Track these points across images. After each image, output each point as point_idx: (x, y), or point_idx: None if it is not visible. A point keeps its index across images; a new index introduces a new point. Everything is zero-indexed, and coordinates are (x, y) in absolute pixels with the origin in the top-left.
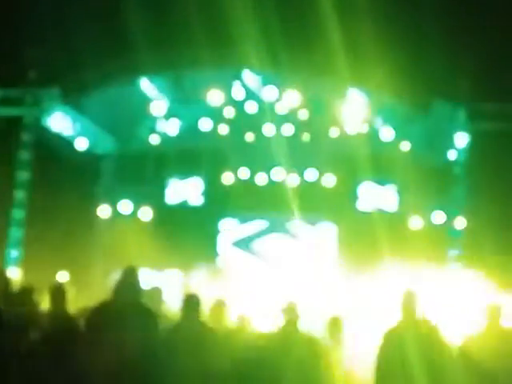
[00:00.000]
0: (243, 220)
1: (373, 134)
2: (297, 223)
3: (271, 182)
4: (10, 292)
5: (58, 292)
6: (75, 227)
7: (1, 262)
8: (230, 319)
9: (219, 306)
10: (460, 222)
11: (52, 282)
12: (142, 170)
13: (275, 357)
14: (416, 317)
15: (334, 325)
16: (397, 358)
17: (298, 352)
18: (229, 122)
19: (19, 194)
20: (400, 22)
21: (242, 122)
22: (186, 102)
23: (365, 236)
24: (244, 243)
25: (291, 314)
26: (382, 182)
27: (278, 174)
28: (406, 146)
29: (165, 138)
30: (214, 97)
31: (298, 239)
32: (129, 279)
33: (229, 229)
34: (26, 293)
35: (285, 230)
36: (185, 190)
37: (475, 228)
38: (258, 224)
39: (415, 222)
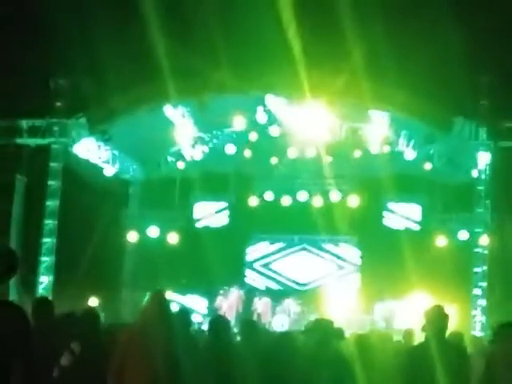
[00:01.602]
0: (270, 241)
1: (396, 155)
2: (322, 243)
3: (296, 204)
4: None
5: (90, 317)
6: (104, 253)
7: (33, 289)
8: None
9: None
10: (485, 240)
11: (84, 307)
12: (169, 195)
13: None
14: (443, 333)
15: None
16: (425, 375)
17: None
18: (253, 146)
19: (49, 222)
20: (421, 44)
21: (266, 145)
22: (210, 127)
23: (390, 255)
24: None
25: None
26: (406, 201)
27: (303, 195)
28: (428, 165)
29: (190, 163)
30: (238, 121)
31: (323, 259)
32: (157, 303)
33: (256, 251)
34: (67, 318)
35: (311, 250)
36: (211, 214)
37: (500, 245)
38: (283, 245)
39: (440, 241)
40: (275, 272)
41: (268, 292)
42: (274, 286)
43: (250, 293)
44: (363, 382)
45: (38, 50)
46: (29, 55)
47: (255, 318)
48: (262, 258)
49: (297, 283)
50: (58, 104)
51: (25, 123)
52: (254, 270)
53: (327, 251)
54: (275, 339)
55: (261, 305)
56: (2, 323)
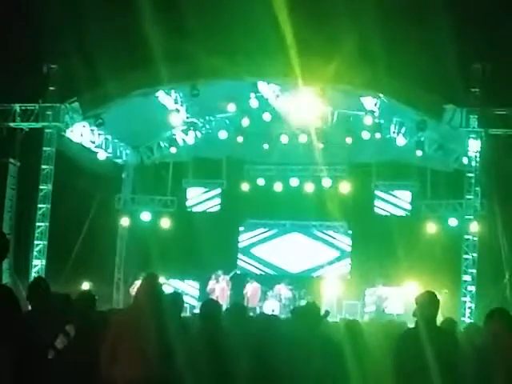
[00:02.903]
0: (261, 226)
1: (387, 141)
2: (313, 229)
3: (288, 190)
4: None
5: (85, 299)
6: (97, 237)
7: (26, 273)
8: None
9: None
10: (474, 227)
11: (79, 290)
12: (162, 180)
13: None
14: (434, 318)
15: None
16: (415, 361)
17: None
18: (245, 131)
19: (42, 206)
20: (412, 31)
21: (258, 131)
22: (203, 113)
23: (380, 241)
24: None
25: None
26: (397, 187)
27: (295, 181)
28: (419, 152)
29: (183, 148)
30: (231, 107)
31: (314, 244)
32: (150, 286)
33: (247, 236)
34: (62, 300)
35: (302, 236)
36: (203, 199)
37: (489, 232)
38: (274, 230)
39: (430, 227)
40: (266, 257)
41: (259, 277)
42: (265, 271)
43: (240, 277)
44: (353, 366)
45: (30, 35)
46: (22, 40)
47: (244, 302)
48: (254, 243)
49: (288, 269)
50: (52, 88)
51: (18, 107)
52: (246, 255)
53: (318, 237)
54: (263, 322)
55: (250, 289)
56: None
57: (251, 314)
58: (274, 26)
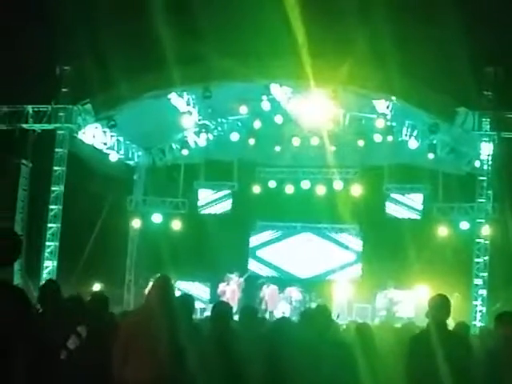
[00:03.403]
0: (272, 229)
1: (399, 144)
2: (325, 232)
3: (299, 192)
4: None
5: (98, 300)
6: (108, 238)
7: (37, 274)
8: None
9: None
10: (486, 230)
11: (91, 291)
12: (173, 182)
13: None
14: (445, 320)
15: None
16: (427, 364)
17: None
18: (257, 134)
19: (54, 207)
20: (425, 34)
21: (270, 134)
22: (215, 115)
23: (392, 244)
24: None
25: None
26: (408, 190)
27: (306, 184)
28: (431, 155)
29: (195, 150)
30: (243, 110)
31: (326, 247)
32: (161, 288)
33: (258, 238)
34: (73, 302)
35: (313, 238)
36: (215, 200)
37: (501, 236)
38: (286, 232)
39: (442, 230)
40: (277, 260)
41: (270, 279)
42: (276, 274)
43: (252, 280)
44: (364, 370)
45: (44, 37)
46: (35, 41)
47: (262, 305)
48: (265, 245)
49: (298, 274)
50: (64, 90)
51: (31, 108)
52: (257, 257)
53: (330, 239)
54: (274, 325)
55: (268, 292)
56: (3, 305)
57: (268, 317)
58: (286, 28)
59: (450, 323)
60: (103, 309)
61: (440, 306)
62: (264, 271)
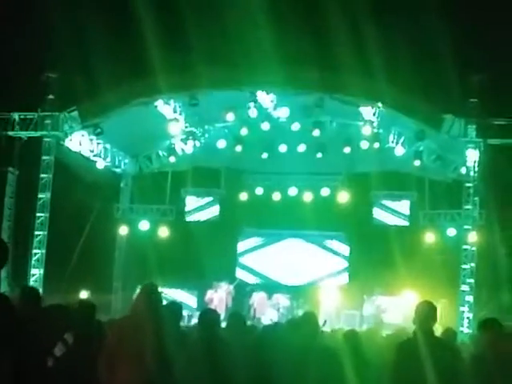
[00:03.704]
0: (259, 236)
1: (386, 151)
2: (312, 238)
3: (286, 199)
4: (37, 309)
5: (85, 308)
6: (95, 246)
7: (24, 281)
8: None
9: None
10: (473, 237)
11: (79, 299)
12: (160, 189)
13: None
14: (431, 327)
15: None
16: (414, 371)
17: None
18: (244, 141)
19: (41, 215)
20: (412, 41)
21: (257, 141)
22: (202, 122)
23: (379, 250)
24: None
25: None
26: (395, 197)
27: (293, 190)
28: (418, 162)
29: (182, 157)
30: (230, 117)
31: (313, 254)
32: (148, 296)
33: (245, 245)
34: (57, 310)
35: (300, 245)
36: (202, 207)
37: (488, 242)
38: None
39: (429, 237)
40: (264, 267)
41: (258, 286)
42: (262, 281)
43: (241, 287)
44: (351, 377)
45: (30, 44)
46: (21, 49)
47: (251, 312)
48: (251, 252)
49: (285, 278)
50: (51, 97)
51: (17, 116)
52: (243, 264)
53: (317, 245)
54: (261, 332)
55: (257, 299)
56: None
57: (256, 324)
58: (272, 36)
59: (438, 329)
60: (90, 316)
61: (426, 312)
62: (251, 278)
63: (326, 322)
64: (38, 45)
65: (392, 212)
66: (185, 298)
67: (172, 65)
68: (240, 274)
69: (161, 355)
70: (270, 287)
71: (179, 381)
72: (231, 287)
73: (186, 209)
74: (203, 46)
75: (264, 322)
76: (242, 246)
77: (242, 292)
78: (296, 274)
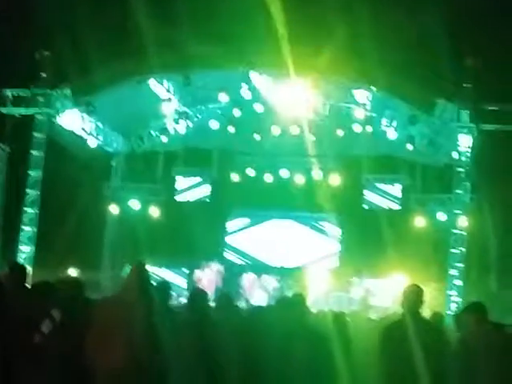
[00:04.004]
0: (250, 217)
1: (378, 134)
2: (303, 220)
3: (278, 181)
4: (25, 286)
5: (73, 285)
6: (85, 224)
7: (13, 258)
8: None
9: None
10: (463, 221)
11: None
12: (152, 169)
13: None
14: (418, 309)
15: None
16: (401, 352)
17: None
18: (237, 122)
19: (31, 192)
20: (405, 24)
21: (250, 122)
22: (195, 102)
23: (369, 233)
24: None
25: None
26: (387, 181)
27: (285, 172)
28: (410, 146)
29: (174, 137)
30: (223, 98)
31: (303, 235)
32: (137, 274)
33: (236, 226)
34: (44, 287)
35: (291, 227)
36: (193, 188)
37: (477, 227)
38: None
39: (419, 221)
40: (254, 248)
41: (247, 267)
42: (253, 262)
43: (230, 267)
44: (339, 358)
45: (23, 22)
46: (14, 26)
47: (240, 292)
48: (242, 232)
49: (275, 259)
50: (43, 75)
51: (9, 93)
52: (233, 244)
53: (307, 228)
54: (249, 313)
55: (247, 280)
56: None
57: (245, 304)
58: (266, 17)
59: (426, 313)
60: (78, 293)
61: (414, 295)
62: (239, 259)
63: (314, 303)
64: (32, 22)
65: (383, 195)
66: (174, 277)
67: (165, 44)
68: (228, 254)
69: (149, 334)
70: (259, 268)
71: (167, 359)
72: (221, 267)
73: (177, 189)
74: (196, 26)
75: (253, 303)
76: (231, 226)
77: (231, 272)
78: (286, 256)
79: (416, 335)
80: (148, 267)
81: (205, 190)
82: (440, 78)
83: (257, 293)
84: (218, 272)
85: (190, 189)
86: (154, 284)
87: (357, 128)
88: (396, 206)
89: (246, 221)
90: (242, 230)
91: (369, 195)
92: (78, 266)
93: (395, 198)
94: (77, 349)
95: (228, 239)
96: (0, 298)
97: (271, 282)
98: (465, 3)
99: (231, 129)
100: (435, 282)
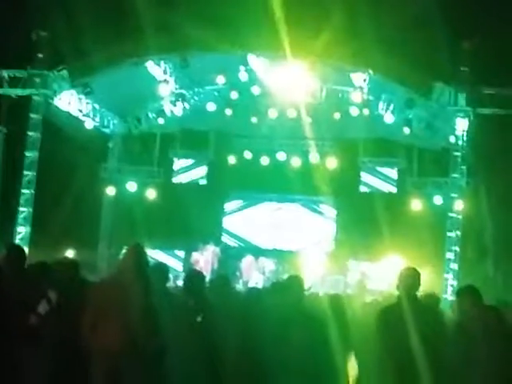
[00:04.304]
0: (247, 200)
1: (375, 118)
2: (300, 203)
3: (275, 163)
4: (22, 268)
5: (69, 266)
6: (82, 206)
7: (10, 239)
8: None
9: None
10: (459, 205)
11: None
12: (149, 151)
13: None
14: (415, 292)
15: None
16: (398, 334)
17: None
18: (234, 104)
19: (28, 173)
20: (402, 8)
21: (247, 105)
22: (192, 85)
23: (365, 216)
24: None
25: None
26: (383, 164)
27: (282, 155)
28: (407, 129)
29: (171, 119)
30: (220, 80)
31: (300, 218)
32: (135, 256)
33: (233, 208)
34: (40, 268)
35: (288, 209)
36: (190, 170)
37: (474, 211)
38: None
39: (415, 204)
40: (251, 230)
41: (244, 250)
42: (249, 244)
43: (226, 249)
44: (336, 341)
45: (19, 2)
46: (10, 7)
47: (237, 274)
48: (238, 215)
49: (272, 242)
50: (40, 55)
51: (6, 73)
52: (230, 226)
53: (304, 210)
54: (246, 295)
55: (245, 262)
56: None
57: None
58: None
59: (421, 296)
60: (74, 274)
61: (410, 278)
62: (235, 241)
63: (310, 287)
64: (29, 3)
65: (380, 179)
66: (171, 258)
67: (162, 26)
68: (225, 236)
69: (146, 316)
70: (256, 251)
71: (164, 341)
72: (217, 249)
73: (174, 171)
74: (194, 8)
75: (250, 285)
76: (228, 208)
77: (228, 254)
78: (282, 239)
79: (413, 318)
80: (144, 248)
81: (201, 172)
82: (437, 62)
83: (254, 275)
84: (214, 254)
85: (187, 171)
86: (151, 265)
87: (354, 111)
88: (393, 189)
89: (242, 203)
90: (238, 212)
91: (365, 178)
92: (75, 247)
93: (392, 181)
94: (73, 330)
95: (225, 221)
96: None
97: (268, 264)
98: None
99: (228, 111)
100: (432, 266)
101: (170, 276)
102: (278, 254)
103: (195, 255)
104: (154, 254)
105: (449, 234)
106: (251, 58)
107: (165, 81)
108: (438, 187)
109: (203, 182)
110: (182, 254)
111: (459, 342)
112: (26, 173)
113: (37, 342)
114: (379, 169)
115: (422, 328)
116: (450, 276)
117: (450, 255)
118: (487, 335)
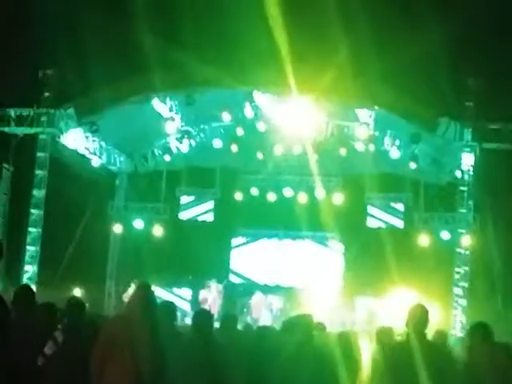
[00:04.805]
0: (254, 237)
1: (381, 153)
2: (306, 239)
3: (281, 200)
4: (30, 308)
5: (74, 306)
6: (89, 244)
7: (17, 278)
8: None
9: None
10: (466, 240)
11: (69, 297)
12: (155, 188)
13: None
14: (423, 329)
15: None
16: (406, 372)
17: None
18: (240, 141)
19: (35, 212)
20: (408, 44)
21: (253, 141)
22: (198, 121)
23: (373, 252)
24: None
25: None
26: (390, 199)
27: (288, 191)
28: (413, 164)
29: (177, 156)
30: (226, 116)
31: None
32: (142, 295)
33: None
34: (47, 308)
35: (295, 246)
36: (196, 207)
37: (481, 246)
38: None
39: (423, 240)
40: (258, 267)
41: (251, 287)
42: (256, 282)
43: (233, 287)
44: (345, 378)
45: (26, 41)
46: (18, 45)
47: (245, 312)
48: (245, 252)
49: (279, 279)
50: (47, 94)
51: (13, 112)
52: (237, 263)
53: (311, 247)
54: (255, 334)
55: (254, 299)
56: None
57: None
58: (269, 36)
59: (430, 332)
60: (80, 314)
61: (419, 315)
62: (242, 279)
63: (319, 323)
64: (35, 42)
65: (387, 214)
66: (178, 296)
67: (168, 63)
68: (232, 273)
69: (154, 355)
70: (263, 288)
71: (172, 381)
72: (220, 286)
73: (181, 208)
74: (200, 45)
75: (260, 323)
76: (234, 244)
77: (235, 292)
78: (290, 275)
79: (421, 356)
80: (152, 287)
81: (208, 209)
82: (442, 97)
83: (263, 313)
84: (218, 291)
85: (194, 208)
86: (159, 304)
87: (360, 147)
88: (400, 225)
89: (249, 240)
90: (245, 248)
91: (372, 213)
92: (82, 285)
93: (399, 216)
94: (81, 370)
95: (232, 258)
96: (5, 321)
97: (275, 301)
98: (467, 23)
99: (234, 148)
100: (440, 301)
101: (178, 314)
102: (285, 291)
103: (203, 293)
104: (162, 292)
105: (457, 269)
106: (256, 95)
107: (171, 118)
108: (445, 222)
109: (210, 218)
110: (188, 291)
111: (468, 380)
112: (32, 211)
113: (43, 382)
114: (386, 204)
115: (431, 367)
116: (458, 312)
117: (457, 291)
118: (495, 372)
